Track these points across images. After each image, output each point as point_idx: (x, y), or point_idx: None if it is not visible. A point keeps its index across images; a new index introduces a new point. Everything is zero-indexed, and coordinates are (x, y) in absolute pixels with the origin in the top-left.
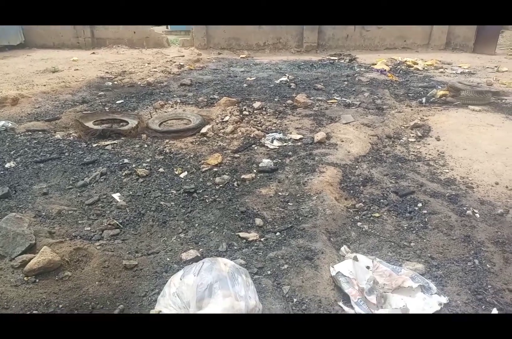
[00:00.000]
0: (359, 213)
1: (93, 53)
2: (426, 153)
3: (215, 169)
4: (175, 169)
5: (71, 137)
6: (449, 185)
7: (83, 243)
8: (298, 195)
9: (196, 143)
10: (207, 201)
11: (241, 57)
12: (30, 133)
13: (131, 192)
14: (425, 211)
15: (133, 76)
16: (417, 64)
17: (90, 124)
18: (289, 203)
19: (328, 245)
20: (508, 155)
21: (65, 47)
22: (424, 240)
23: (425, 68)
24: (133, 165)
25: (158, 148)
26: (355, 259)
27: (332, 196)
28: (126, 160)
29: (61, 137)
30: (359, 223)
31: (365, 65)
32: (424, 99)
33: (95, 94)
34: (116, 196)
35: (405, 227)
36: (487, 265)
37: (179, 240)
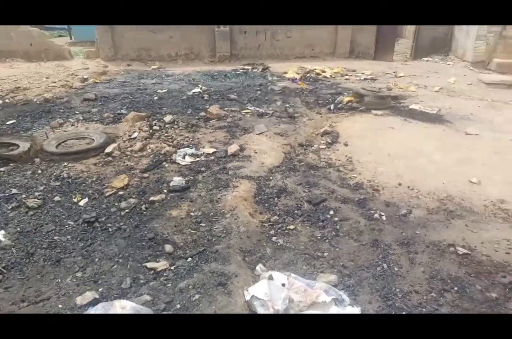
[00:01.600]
0: (274, 227)
1: None
2: (336, 159)
3: (120, 193)
4: (73, 197)
5: None
6: (357, 190)
7: None
8: (212, 213)
9: (100, 165)
10: (111, 230)
11: (152, 69)
12: None
13: (18, 229)
14: (336, 218)
15: (28, 92)
16: (325, 72)
17: None
18: (201, 224)
19: (242, 266)
20: (408, 157)
21: None
22: (337, 249)
23: (333, 76)
24: (23, 196)
25: (54, 173)
26: (270, 278)
27: (246, 212)
28: (14, 191)
29: None
30: (274, 238)
31: (278, 74)
32: (332, 106)
33: None
34: None
35: (319, 237)
36: (395, 268)
37: (75, 280)
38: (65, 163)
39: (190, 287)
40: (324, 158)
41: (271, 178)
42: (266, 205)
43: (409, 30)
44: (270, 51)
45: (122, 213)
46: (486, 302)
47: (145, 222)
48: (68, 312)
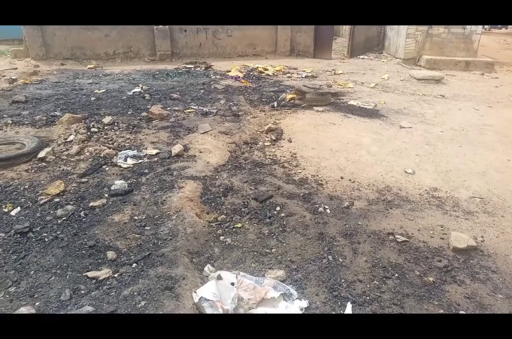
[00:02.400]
0: (222, 226)
1: None
2: (280, 156)
3: (56, 200)
4: (3, 206)
5: None
6: (302, 185)
7: None
8: (157, 216)
9: (33, 171)
10: (47, 240)
11: (88, 68)
12: None
13: None
14: (283, 214)
15: None
16: (267, 70)
17: None
18: (146, 227)
19: (190, 268)
20: (349, 150)
21: None
22: (284, 244)
23: (275, 74)
24: None
25: None
26: (219, 277)
27: (192, 213)
28: None
29: None
30: (222, 237)
31: (221, 73)
32: (275, 103)
33: None
34: None
35: (266, 234)
36: (339, 259)
37: (7, 296)
38: None
39: (135, 293)
40: (270, 155)
41: (217, 177)
42: (213, 204)
43: (346, 29)
44: (212, 49)
45: (59, 221)
46: (424, 286)
47: (85, 229)
48: None
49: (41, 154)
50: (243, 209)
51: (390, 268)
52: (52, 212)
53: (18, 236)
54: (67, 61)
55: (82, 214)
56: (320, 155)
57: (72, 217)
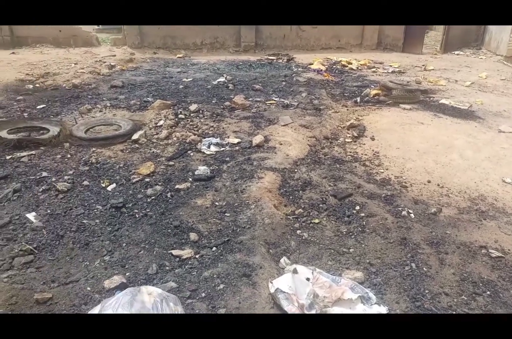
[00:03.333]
0: (299, 220)
1: (13, 53)
2: (362, 153)
3: (147, 180)
4: (101, 182)
5: None
6: (384, 186)
7: None
8: (236, 204)
9: (127, 151)
10: (137, 216)
11: (177, 57)
12: None
13: (49, 211)
14: (362, 214)
15: (58, 78)
16: (351, 63)
17: (3, 133)
18: (226, 214)
19: (267, 258)
20: (438, 153)
21: None
22: (363, 245)
23: (359, 68)
24: (53, 179)
25: (83, 158)
26: (295, 271)
27: (271, 204)
28: (44, 174)
29: None
30: (298, 231)
31: (303, 65)
32: (358, 99)
33: (12, 98)
34: (30, 216)
35: (344, 232)
36: (424, 268)
37: (103, 264)
38: (93, 149)
39: (215, 276)
40: (350, 152)
41: (296, 170)
42: (291, 197)
43: None
44: (295, 41)
45: (149, 200)
46: None
47: (171, 210)
48: (97, 295)
49: (135, 136)
50: (321, 205)
51: (481, 284)
52: (142, 190)
53: (113, 210)
54: (159, 50)
55: (168, 195)
56: (406, 156)
57: (160, 197)
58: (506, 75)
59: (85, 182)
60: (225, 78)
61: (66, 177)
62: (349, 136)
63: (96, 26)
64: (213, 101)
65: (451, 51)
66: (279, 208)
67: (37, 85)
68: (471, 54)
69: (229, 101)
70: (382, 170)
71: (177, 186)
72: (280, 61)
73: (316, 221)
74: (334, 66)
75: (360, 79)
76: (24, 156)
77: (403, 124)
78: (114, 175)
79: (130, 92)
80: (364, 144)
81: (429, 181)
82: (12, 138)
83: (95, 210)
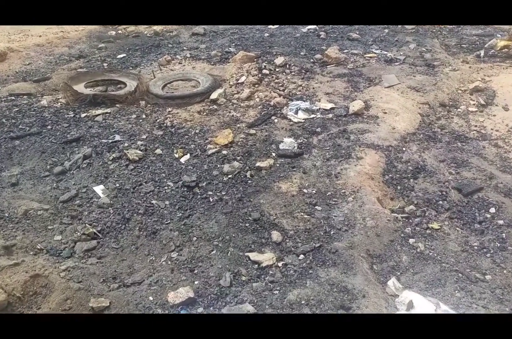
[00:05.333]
0: (411, 222)
1: None
2: (492, 129)
3: (224, 152)
4: (175, 151)
5: (59, 103)
6: None
7: (44, 266)
8: (329, 193)
9: (204, 113)
10: (211, 200)
11: None
12: (13, 98)
13: (117, 184)
14: (501, 222)
15: None
16: None
17: (81, 86)
18: (316, 207)
19: (370, 280)
20: None
21: None
22: (504, 271)
23: None
24: (125, 144)
25: (158, 120)
26: (410, 305)
27: (373, 196)
28: (117, 137)
29: (47, 103)
30: (411, 240)
31: None
32: (482, 52)
33: (95, 46)
34: (98, 189)
35: (476, 247)
36: None
37: (170, 263)
38: (169, 109)
39: (303, 302)
40: (476, 126)
41: (404, 149)
42: (399, 188)
43: None
44: None
45: (225, 179)
46: None
47: (250, 195)
48: (159, 310)
49: (214, 95)
50: (440, 202)
51: None
52: (218, 166)
53: (185, 189)
54: None
55: (248, 174)
56: None
57: (238, 177)
58: None
59: (158, 151)
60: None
61: (139, 143)
62: (473, 104)
63: None
64: (301, 53)
65: None
66: (383, 203)
67: (119, 31)
68: None
69: (321, 54)
70: None
71: (257, 164)
72: None
73: (435, 226)
74: None
75: (481, 26)
76: (99, 114)
77: None
78: (188, 142)
79: (212, 40)
80: (495, 115)
81: None
82: (88, 93)
83: (166, 188)
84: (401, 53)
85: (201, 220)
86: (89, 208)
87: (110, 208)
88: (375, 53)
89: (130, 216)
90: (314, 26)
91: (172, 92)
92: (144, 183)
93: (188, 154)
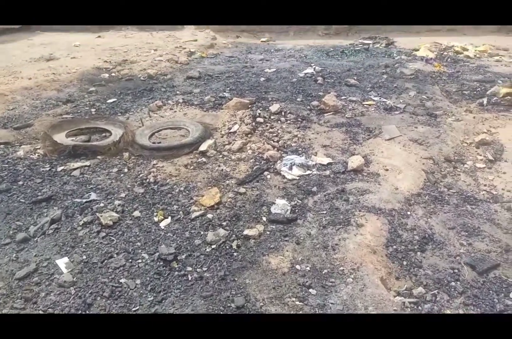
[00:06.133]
0: (420, 308)
1: (99, 36)
2: (503, 189)
3: (209, 216)
4: (155, 213)
5: (36, 154)
6: None
7: None
8: (326, 271)
9: (191, 167)
10: (190, 278)
11: (261, 41)
12: None
13: (84, 256)
14: None
15: (134, 66)
16: (467, 50)
17: (62, 136)
18: (311, 290)
19: None
20: None
21: (72, 30)
22: None
23: (477, 55)
24: (101, 204)
25: (141, 175)
26: None
27: (376, 277)
28: (93, 196)
29: (23, 154)
30: None
31: (406, 52)
32: (484, 100)
33: (85, 90)
34: (61, 263)
35: None
36: None
37: None
38: (154, 162)
39: None
40: (485, 185)
41: (408, 213)
42: (405, 263)
43: None
44: None
45: (208, 250)
46: None
47: (235, 273)
48: None
49: (203, 146)
50: (452, 283)
51: None
52: (202, 233)
53: (161, 263)
54: (242, 33)
55: (234, 245)
56: None
57: (223, 247)
58: None
59: (136, 213)
60: (314, 69)
61: (116, 202)
62: (481, 159)
63: None
64: (298, 99)
65: None
66: (388, 283)
67: (113, 74)
68: None
69: (318, 100)
70: None
71: (245, 232)
72: (378, 45)
73: (448, 313)
74: (445, 53)
75: (481, 71)
76: (77, 168)
77: None
78: (171, 202)
79: (206, 84)
80: (505, 173)
81: None
82: (68, 144)
83: (139, 261)
84: (401, 100)
85: (175, 306)
86: (47, 288)
87: (72, 287)
88: (374, 100)
89: (92, 300)
90: (312, 71)
91: (159, 142)
92: (115, 255)
93: (169, 218)
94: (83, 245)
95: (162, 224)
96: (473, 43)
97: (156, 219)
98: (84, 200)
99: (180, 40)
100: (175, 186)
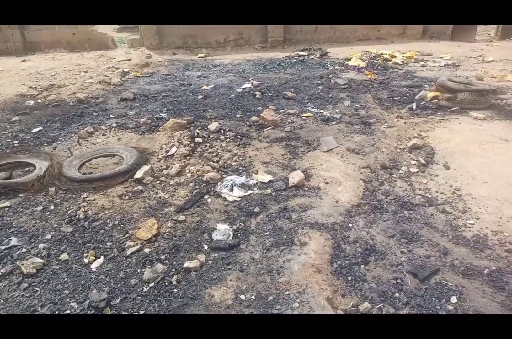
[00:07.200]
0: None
1: (24, 60)
2: (437, 192)
3: (146, 250)
4: (85, 254)
5: None
6: (482, 250)
7: None
8: (271, 298)
9: (127, 197)
10: None
11: (199, 57)
12: None
13: (2, 312)
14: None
15: (63, 90)
16: (395, 57)
17: None
18: None
19: None
20: None
21: None
22: None
23: (405, 62)
24: (23, 250)
25: (69, 211)
26: None
27: (322, 297)
28: (14, 241)
29: None
30: None
31: (339, 61)
32: (414, 105)
33: (7, 120)
34: None
35: None
36: None
37: None
38: (85, 195)
39: None
40: (420, 189)
41: (350, 225)
42: (350, 279)
43: None
44: (329, 34)
45: (145, 289)
46: None
47: (176, 312)
48: None
49: (139, 174)
50: (396, 294)
51: None
52: (138, 271)
53: (93, 311)
54: (179, 50)
55: (173, 280)
56: (499, 195)
57: (162, 285)
58: None
59: (64, 255)
60: (251, 83)
61: (41, 246)
62: (414, 164)
63: (116, 25)
64: (237, 115)
65: (510, 38)
66: (335, 302)
67: (39, 100)
68: None
69: (257, 116)
70: (471, 221)
71: (186, 264)
72: (313, 57)
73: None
74: (375, 61)
75: (409, 77)
76: None
77: (483, 143)
78: (104, 239)
79: (142, 105)
80: (437, 175)
81: None
82: None
83: (68, 312)
84: (337, 111)
85: None
86: None
87: None
88: (311, 112)
89: None
90: (249, 85)
91: (91, 173)
92: (39, 308)
93: (102, 257)
94: (1, 301)
95: (94, 266)
96: (400, 50)
97: (86, 260)
98: (3, 247)
99: (113, 60)
100: (108, 220)
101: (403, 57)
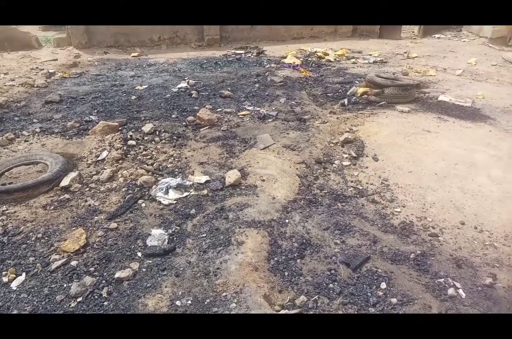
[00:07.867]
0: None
1: None
2: (367, 183)
3: (73, 263)
4: (4, 272)
5: None
6: (408, 236)
7: None
8: (208, 301)
9: (52, 207)
10: None
11: (132, 56)
12: None
13: None
14: (394, 300)
15: None
16: (327, 54)
17: None
18: None
19: None
20: (461, 175)
21: None
22: None
23: (337, 59)
24: None
25: None
26: None
27: (259, 295)
28: None
29: None
30: None
31: (275, 60)
32: (346, 101)
33: None
34: None
35: None
36: None
37: None
38: (4, 208)
39: None
40: (352, 181)
41: (287, 221)
42: (286, 274)
43: None
44: (264, 32)
45: (72, 305)
46: None
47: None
48: None
49: (65, 181)
50: (330, 285)
51: None
52: (65, 286)
53: None
54: (110, 49)
55: (104, 292)
56: (423, 183)
57: (91, 299)
58: (497, 60)
59: None
60: (187, 82)
61: None
62: (346, 157)
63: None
64: (173, 116)
65: (431, 35)
66: (272, 299)
67: None
68: (453, 37)
69: (193, 115)
70: (398, 209)
71: (117, 275)
72: (249, 55)
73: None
74: (309, 59)
75: (341, 73)
76: None
77: (407, 135)
78: (26, 255)
79: (70, 108)
80: (367, 167)
81: (462, 223)
82: None
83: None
84: (273, 108)
85: None
86: None
87: None
88: (248, 110)
89: None
90: (185, 85)
91: (11, 183)
92: None
93: (24, 274)
94: None
95: (14, 284)
96: (332, 47)
97: (5, 279)
98: None
99: (37, 60)
100: (31, 234)
101: (335, 54)
